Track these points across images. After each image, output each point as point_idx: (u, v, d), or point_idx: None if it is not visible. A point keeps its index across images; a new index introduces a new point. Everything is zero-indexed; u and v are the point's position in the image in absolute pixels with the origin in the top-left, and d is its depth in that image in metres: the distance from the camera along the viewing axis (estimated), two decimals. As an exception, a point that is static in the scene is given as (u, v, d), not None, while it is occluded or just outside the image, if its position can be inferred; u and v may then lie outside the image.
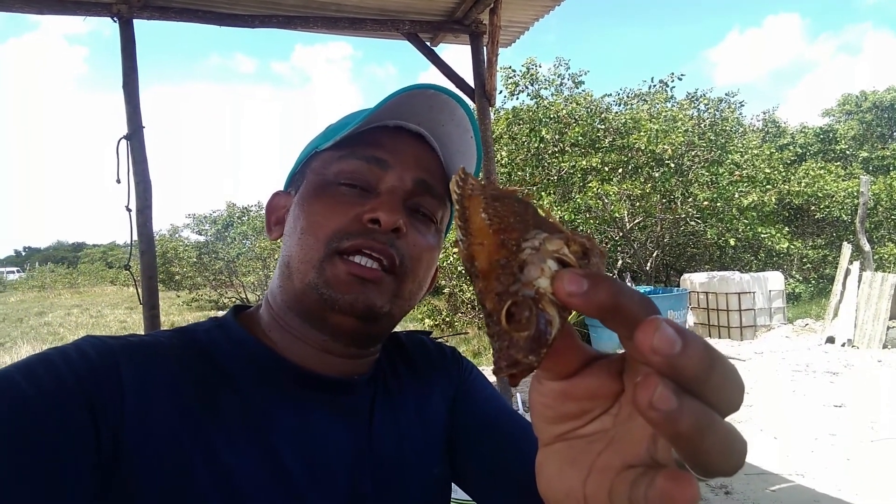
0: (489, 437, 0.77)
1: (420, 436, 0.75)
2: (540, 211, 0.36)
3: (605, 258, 0.34)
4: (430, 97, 0.69)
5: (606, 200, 11.65)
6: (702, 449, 0.28)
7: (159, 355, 0.63)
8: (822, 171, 16.50)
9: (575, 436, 0.37)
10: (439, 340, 0.90)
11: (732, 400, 0.30)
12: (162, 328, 3.93)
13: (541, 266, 0.32)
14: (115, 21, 3.56)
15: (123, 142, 3.56)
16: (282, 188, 0.80)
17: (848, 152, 21.13)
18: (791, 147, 20.34)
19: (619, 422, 0.36)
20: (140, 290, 3.65)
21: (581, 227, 12.11)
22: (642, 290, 10.48)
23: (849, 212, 15.28)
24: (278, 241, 0.74)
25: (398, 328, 0.78)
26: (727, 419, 0.30)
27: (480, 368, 0.87)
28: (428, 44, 4.48)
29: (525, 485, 0.59)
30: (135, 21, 3.60)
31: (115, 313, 18.80)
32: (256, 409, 0.64)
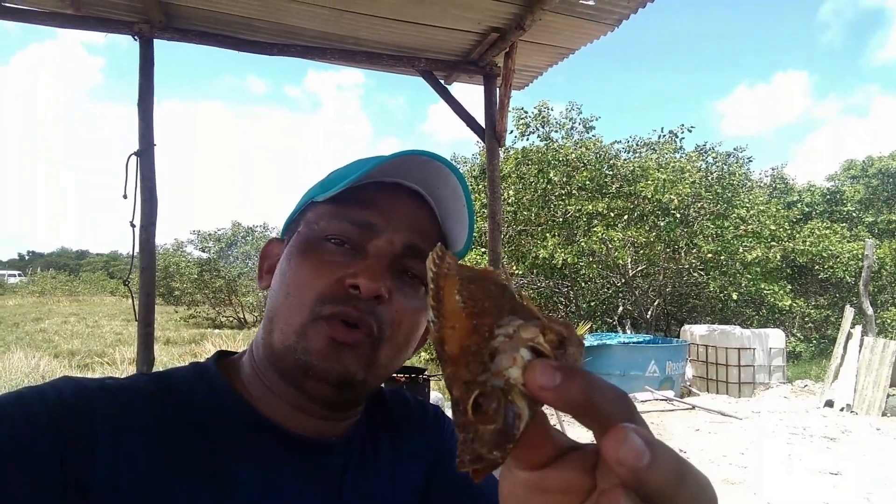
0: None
1: (392, 500, 0.73)
2: (517, 296, 0.35)
3: (583, 348, 0.33)
4: (423, 163, 0.68)
5: (610, 246, 11.67)
6: None
7: (136, 401, 0.62)
8: (827, 231, 16.54)
9: None
10: (421, 398, 0.88)
11: None
12: (156, 345, 3.90)
13: (513, 355, 0.30)
14: (135, 40, 3.62)
15: (133, 158, 3.59)
16: (282, 226, 0.79)
17: (854, 214, 21.22)
18: (798, 205, 20.44)
19: None
20: (136, 306, 3.64)
21: (584, 271, 12.12)
22: (642, 339, 10.43)
23: (853, 273, 15.25)
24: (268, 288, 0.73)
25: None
26: None
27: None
28: (441, 81, 4.54)
29: None
30: (154, 41, 3.67)
31: (112, 325, 18.73)
32: (225, 464, 0.62)
